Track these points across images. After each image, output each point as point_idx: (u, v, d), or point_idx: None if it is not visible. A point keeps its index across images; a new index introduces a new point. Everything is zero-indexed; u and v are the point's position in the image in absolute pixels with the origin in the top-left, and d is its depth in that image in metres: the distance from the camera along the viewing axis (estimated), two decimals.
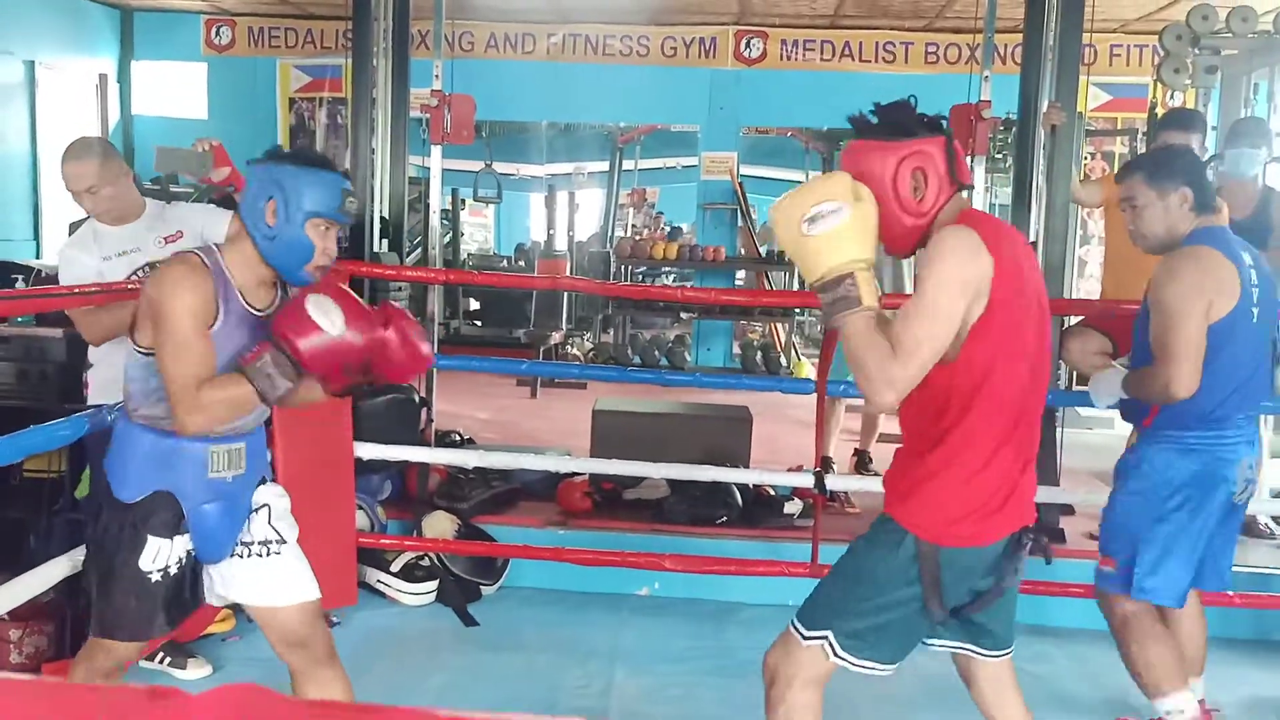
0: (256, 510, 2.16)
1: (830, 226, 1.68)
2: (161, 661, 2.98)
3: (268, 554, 2.14)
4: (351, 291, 2.01)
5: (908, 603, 1.84)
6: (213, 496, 2.06)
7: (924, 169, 1.78)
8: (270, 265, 2.01)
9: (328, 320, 1.89)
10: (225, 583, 2.14)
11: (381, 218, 4.59)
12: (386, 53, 4.59)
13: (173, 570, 2.05)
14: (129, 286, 2.70)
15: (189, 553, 2.07)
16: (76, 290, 2.63)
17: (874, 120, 1.81)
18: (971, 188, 1.86)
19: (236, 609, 3.27)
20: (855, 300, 1.69)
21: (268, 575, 2.13)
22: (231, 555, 2.12)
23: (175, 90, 7.75)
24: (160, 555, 2.03)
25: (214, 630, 3.19)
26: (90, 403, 2.79)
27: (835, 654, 1.87)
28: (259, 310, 2.05)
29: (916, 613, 1.85)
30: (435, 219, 4.74)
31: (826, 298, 1.71)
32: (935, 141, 1.80)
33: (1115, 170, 7.06)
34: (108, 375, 2.77)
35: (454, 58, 5.62)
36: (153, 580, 2.03)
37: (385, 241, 4.60)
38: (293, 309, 1.92)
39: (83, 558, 2.20)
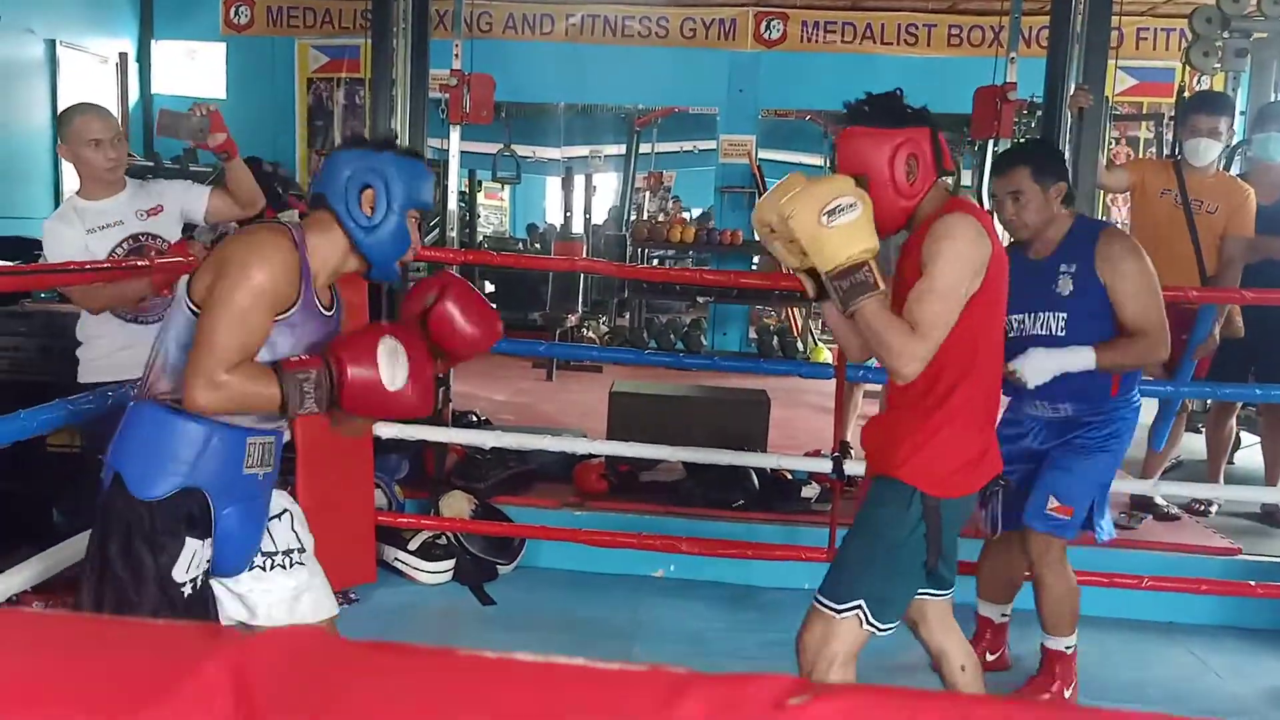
0: (278, 516, 1.97)
1: (848, 219, 1.85)
2: None
3: (291, 565, 1.95)
4: (419, 335, 1.84)
5: (917, 558, 2.03)
6: (242, 496, 1.85)
7: (916, 155, 1.97)
8: (365, 258, 1.86)
9: (390, 373, 1.71)
10: (242, 599, 1.92)
11: None
12: (405, 33, 4.57)
13: (199, 583, 1.81)
14: (138, 264, 2.72)
15: (209, 563, 1.84)
16: (89, 266, 2.64)
17: (867, 109, 2.00)
18: (953, 173, 2.07)
19: None
20: (872, 285, 1.87)
21: (294, 590, 1.95)
22: (252, 567, 1.92)
23: (194, 70, 7.76)
24: (195, 561, 1.79)
25: None
26: (81, 381, 2.77)
27: (868, 622, 2.01)
28: (325, 309, 1.87)
29: (921, 566, 2.04)
30: (453, 201, 4.73)
31: (843, 283, 1.88)
32: (923, 131, 1.99)
33: (1139, 155, 7.00)
34: (97, 353, 2.80)
35: (472, 38, 5.60)
36: (185, 595, 1.77)
37: None
38: (363, 341, 1.73)
39: (83, 589, 1.82)
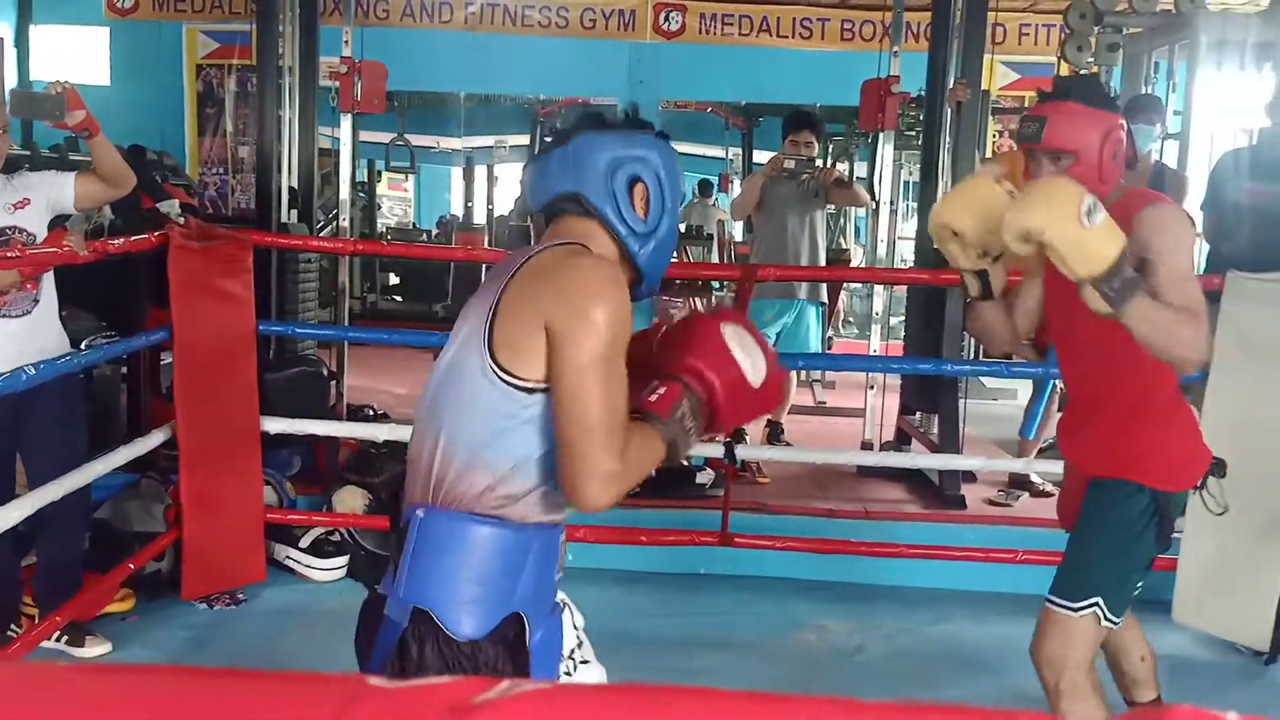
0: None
1: (1106, 217, 1.75)
2: (60, 640, 2.91)
3: (576, 668, 1.63)
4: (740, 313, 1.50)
5: (1149, 552, 2.08)
6: (548, 609, 1.50)
7: (1122, 141, 1.96)
8: (638, 271, 1.48)
9: (750, 361, 1.39)
10: None
11: (290, 187, 4.49)
12: (294, 19, 4.47)
13: None
14: (7, 255, 2.63)
15: None
16: None
17: (1079, 87, 2.01)
18: (1134, 168, 2.10)
19: (136, 586, 3.22)
20: (1139, 281, 1.78)
21: None
22: None
23: (76, 55, 7.45)
24: None
25: (113, 609, 3.12)
26: None
27: (1105, 618, 2.04)
28: None
29: (1150, 559, 2.10)
30: (346, 190, 4.66)
31: (1114, 283, 1.75)
32: (1121, 120, 1.97)
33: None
34: None
35: (366, 25, 5.50)
36: None
37: (294, 212, 4.51)
38: (708, 340, 1.40)
39: None
